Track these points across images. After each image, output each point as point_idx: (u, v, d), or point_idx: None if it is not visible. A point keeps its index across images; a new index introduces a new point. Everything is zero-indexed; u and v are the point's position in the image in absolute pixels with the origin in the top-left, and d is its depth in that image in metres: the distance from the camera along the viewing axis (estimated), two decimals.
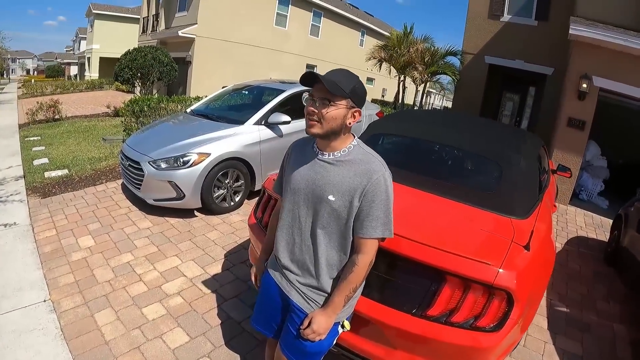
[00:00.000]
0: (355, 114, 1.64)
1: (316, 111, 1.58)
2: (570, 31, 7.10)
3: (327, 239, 1.69)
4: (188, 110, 6.63)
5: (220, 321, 3.16)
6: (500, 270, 1.89)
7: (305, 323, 1.69)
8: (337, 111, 1.58)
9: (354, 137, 1.74)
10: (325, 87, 1.53)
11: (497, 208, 2.54)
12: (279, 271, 1.85)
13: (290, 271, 1.79)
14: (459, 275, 1.92)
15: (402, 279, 2.12)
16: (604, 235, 6.43)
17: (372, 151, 1.72)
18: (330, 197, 1.63)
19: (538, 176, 3.14)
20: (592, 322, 3.76)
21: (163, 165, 4.70)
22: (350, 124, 1.64)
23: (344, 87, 1.55)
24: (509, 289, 1.88)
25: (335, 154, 1.67)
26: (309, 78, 1.61)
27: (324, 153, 1.69)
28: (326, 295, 1.73)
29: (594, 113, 7.49)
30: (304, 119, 1.66)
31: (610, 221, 6.99)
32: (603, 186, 8.57)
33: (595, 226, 6.94)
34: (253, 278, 2.17)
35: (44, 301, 3.25)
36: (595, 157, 8.67)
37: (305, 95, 1.66)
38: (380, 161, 1.66)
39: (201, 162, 4.75)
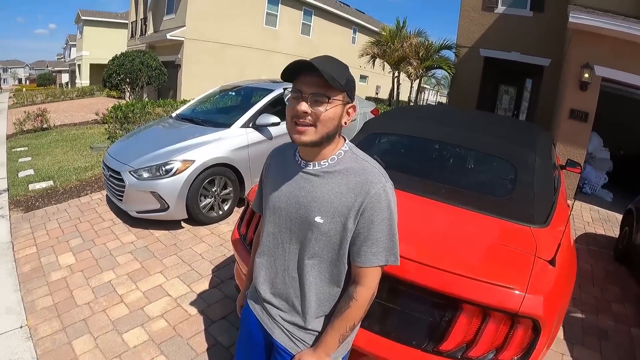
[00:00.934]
0: (349, 110, 1.32)
1: (309, 111, 1.23)
2: (570, 19, 6.87)
3: (317, 270, 1.36)
4: (173, 114, 6.32)
5: (207, 346, 2.88)
6: (526, 295, 1.59)
7: None
8: (334, 109, 1.25)
9: (345, 140, 1.40)
10: (324, 78, 1.18)
11: (514, 215, 2.23)
12: (259, 304, 1.53)
13: (273, 305, 1.46)
14: (477, 303, 1.62)
15: (409, 308, 1.80)
16: (612, 231, 6.25)
17: (367, 157, 1.38)
18: (318, 219, 1.30)
19: (553, 176, 2.84)
20: (608, 327, 3.55)
21: (145, 175, 4.41)
22: (345, 123, 1.32)
23: (339, 78, 1.21)
24: (536, 316, 1.58)
25: (322, 163, 1.34)
26: (300, 67, 1.23)
27: (309, 163, 1.36)
28: (316, 334, 1.41)
29: (596, 104, 7.25)
30: None
31: (617, 215, 6.83)
32: (607, 179, 8.37)
33: (602, 221, 6.76)
34: (238, 309, 1.80)
35: (21, 327, 3.02)
36: (598, 149, 8.49)
37: (287, 92, 1.30)
38: (379, 170, 1.33)
39: (185, 169, 4.45)
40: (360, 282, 1.32)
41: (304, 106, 1.22)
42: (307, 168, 1.35)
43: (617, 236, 5.64)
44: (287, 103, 1.30)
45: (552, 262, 1.82)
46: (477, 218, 2.24)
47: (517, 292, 1.61)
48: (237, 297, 1.85)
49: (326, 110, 1.23)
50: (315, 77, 1.20)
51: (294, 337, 1.42)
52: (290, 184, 1.38)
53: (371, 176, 1.29)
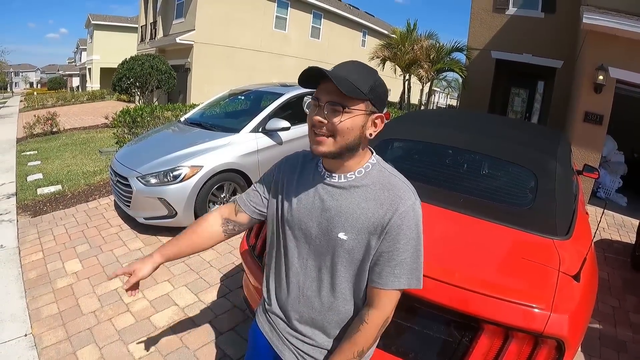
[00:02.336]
0: (376, 120, 1.22)
1: (325, 121, 1.14)
2: (584, 20, 6.73)
3: (336, 289, 1.27)
4: (182, 119, 6.28)
5: (214, 359, 2.80)
6: (551, 314, 1.49)
7: None
8: (353, 119, 1.14)
9: (372, 153, 1.31)
10: (337, 87, 1.09)
11: (535, 227, 2.12)
12: (268, 323, 1.45)
13: (284, 325, 1.38)
14: (499, 323, 1.53)
15: (427, 328, 1.71)
16: (628, 237, 6.11)
17: (396, 172, 1.29)
18: (342, 235, 1.20)
19: (574, 183, 2.73)
20: (627, 339, 3.44)
21: (152, 181, 4.36)
22: (371, 135, 1.22)
23: (360, 85, 1.12)
24: (562, 336, 1.48)
25: (348, 176, 1.25)
26: (313, 75, 1.15)
27: (333, 175, 1.27)
28: (326, 352, 1.32)
29: (611, 106, 7.11)
30: (305, 124, 1.22)
31: (632, 220, 6.69)
32: (621, 182, 8.22)
33: (618, 226, 6.63)
34: (121, 271, 1.52)
35: (25, 335, 2.97)
36: (612, 152, 8.33)
37: (307, 99, 1.21)
38: (408, 186, 1.25)
39: (193, 175, 4.39)
40: (374, 305, 1.22)
41: (318, 116, 1.15)
42: (332, 180, 1.27)
43: (633, 242, 5.49)
44: (306, 111, 1.23)
45: (576, 277, 1.72)
46: (497, 230, 2.14)
47: (541, 311, 1.51)
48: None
49: (341, 120, 1.14)
50: (331, 85, 1.11)
51: (303, 354, 1.34)
52: (311, 195, 1.30)
53: (401, 192, 1.20)
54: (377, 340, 1.29)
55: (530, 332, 1.50)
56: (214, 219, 1.50)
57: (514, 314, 1.52)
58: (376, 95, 1.17)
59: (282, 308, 1.39)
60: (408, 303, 1.60)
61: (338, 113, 1.14)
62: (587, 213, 2.90)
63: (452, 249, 2.00)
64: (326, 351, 1.32)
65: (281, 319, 1.40)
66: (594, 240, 4.91)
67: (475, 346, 1.56)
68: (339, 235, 1.21)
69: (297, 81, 1.22)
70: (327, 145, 1.17)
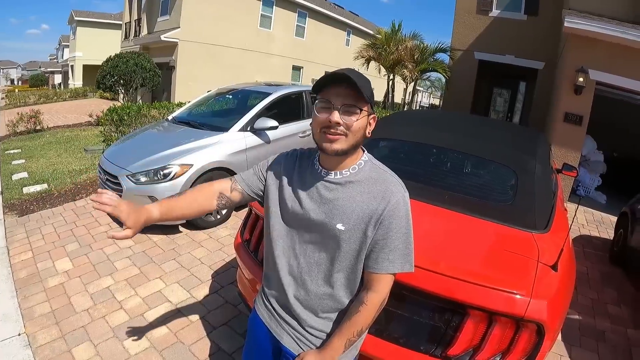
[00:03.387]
0: (371, 121, 1.35)
1: (341, 122, 1.25)
2: (565, 24, 6.92)
3: (333, 277, 1.38)
4: (169, 117, 6.29)
5: (209, 353, 2.87)
6: (531, 300, 1.61)
7: None
8: (362, 120, 1.28)
9: (364, 151, 1.44)
10: (354, 90, 1.24)
11: (516, 221, 2.24)
12: (267, 310, 1.54)
13: (283, 311, 1.48)
14: (483, 308, 1.64)
15: (417, 314, 1.82)
16: (607, 233, 6.32)
17: (386, 167, 1.43)
18: (340, 226, 1.32)
19: (552, 181, 2.86)
20: (606, 328, 3.60)
21: (142, 179, 4.39)
22: (369, 133, 1.35)
23: (365, 90, 1.25)
24: (541, 320, 1.60)
25: (343, 172, 1.37)
26: (336, 79, 1.26)
27: (330, 172, 1.38)
28: (324, 336, 1.43)
29: (590, 107, 7.32)
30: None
31: (611, 217, 6.89)
32: (600, 181, 8.44)
33: (597, 223, 6.83)
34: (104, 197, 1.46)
35: (19, 335, 2.97)
36: (592, 152, 8.54)
37: (319, 101, 1.31)
38: (398, 180, 1.38)
39: (183, 174, 4.43)
40: (372, 288, 1.34)
41: (336, 116, 1.25)
42: (329, 177, 1.38)
43: (612, 238, 5.70)
44: (315, 113, 1.31)
45: (554, 267, 1.85)
46: (480, 224, 2.26)
47: (522, 297, 1.63)
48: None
49: (357, 120, 1.26)
50: (344, 89, 1.24)
51: (302, 337, 1.44)
52: (310, 191, 1.40)
53: (392, 186, 1.33)
54: (373, 322, 1.39)
55: (512, 316, 1.62)
56: (210, 192, 1.55)
57: (497, 300, 1.63)
58: (372, 99, 1.30)
59: (280, 295, 1.48)
60: (399, 291, 1.71)
61: (354, 114, 1.26)
62: (566, 209, 3.03)
63: (440, 241, 2.12)
64: (324, 334, 1.42)
65: (279, 304, 1.49)
66: (571, 233, 5.10)
67: (462, 330, 1.68)
68: (337, 226, 1.32)
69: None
70: (341, 143, 1.28)
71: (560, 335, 3.33)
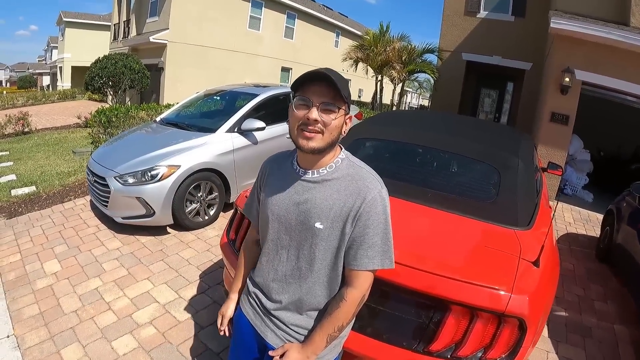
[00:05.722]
0: (347, 120, 1.39)
1: (319, 119, 1.28)
2: (551, 25, 6.98)
3: (315, 275, 1.40)
4: (157, 119, 6.26)
5: (197, 353, 2.88)
6: (512, 295, 1.63)
7: (279, 352, 1.40)
8: (339, 119, 1.32)
9: (341, 148, 1.46)
10: (333, 89, 1.27)
11: (498, 219, 2.27)
12: (253, 309, 1.56)
13: (267, 310, 1.49)
14: (465, 304, 1.66)
15: (399, 310, 1.83)
16: (593, 230, 6.39)
17: (363, 164, 1.45)
18: (318, 225, 1.35)
19: (535, 179, 2.90)
20: (592, 324, 3.65)
21: (130, 180, 4.36)
22: (345, 132, 1.38)
23: (343, 90, 1.28)
24: (522, 315, 1.63)
25: (321, 171, 1.39)
26: (315, 77, 1.29)
27: (307, 171, 1.41)
28: (306, 331, 1.44)
29: (577, 107, 7.39)
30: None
31: (598, 215, 6.97)
32: (587, 180, 8.52)
33: (584, 221, 6.88)
34: (220, 321, 1.74)
35: (7, 337, 2.98)
36: (579, 151, 8.62)
37: (297, 99, 1.32)
38: (375, 176, 1.40)
39: (171, 175, 4.41)
40: (352, 284, 1.36)
41: (315, 114, 1.27)
42: (306, 176, 1.40)
43: (598, 236, 5.77)
44: (293, 110, 1.33)
45: (536, 263, 1.87)
46: (463, 221, 2.28)
47: (503, 292, 1.65)
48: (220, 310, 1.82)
49: (334, 119, 1.29)
50: (324, 87, 1.27)
51: (285, 336, 1.45)
52: (289, 192, 1.42)
53: (368, 182, 1.35)
54: (354, 317, 1.42)
55: (493, 311, 1.64)
56: (252, 246, 1.69)
57: (479, 296, 1.65)
58: (349, 99, 1.34)
59: (264, 293, 1.50)
60: (382, 288, 1.72)
61: (332, 113, 1.29)
62: (549, 207, 3.07)
63: (422, 238, 2.15)
64: (306, 330, 1.44)
65: (263, 302, 1.50)
66: (558, 231, 5.13)
67: (444, 326, 1.70)
68: (315, 225, 1.35)
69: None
70: (317, 140, 1.30)
71: (546, 332, 3.37)
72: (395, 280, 1.74)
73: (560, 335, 3.39)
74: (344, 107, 1.32)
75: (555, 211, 2.69)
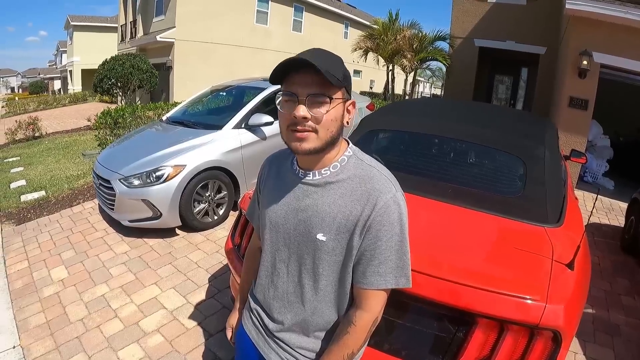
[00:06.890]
0: (349, 107, 1.15)
1: (308, 116, 1.05)
2: (567, 6, 6.74)
3: (320, 293, 1.20)
4: (163, 118, 6.16)
5: None
6: (546, 306, 1.44)
7: None
8: (335, 109, 1.08)
9: (348, 144, 1.23)
10: (320, 76, 1.01)
11: (526, 215, 2.07)
12: (255, 328, 1.38)
13: (269, 330, 1.31)
14: (494, 317, 1.47)
15: (419, 324, 1.65)
16: (617, 220, 6.17)
17: (374, 162, 1.21)
18: (320, 237, 1.13)
19: (562, 168, 2.69)
20: (620, 322, 3.45)
21: (135, 182, 4.26)
22: (347, 123, 1.15)
23: (336, 73, 1.05)
24: (558, 327, 1.44)
25: (323, 172, 1.17)
26: (290, 66, 1.06)
27: (308, 172, 1.19)
28: (314, 355, 1.25)
29: (596, 91, 7.14)
30: None
31: (620, 203, 6.73)
32: (607, 166, 8.27)
33: (606, 210, 6.68)
34: (229, 333, 1.63)
35: (14, 347, 2.93)
36: (598, 137, 8.37)
37: (279, 96, 1.12)
38: (388, 176, 1.16)
39: (177, 175, 4.29)
40: (362, 306, 1.15)
41: (302, 110, 1.05)
42: (307, 178, 1.19)
43: (622, 226, 5.54)
44: (279, 109, 1.12)
45: (570, 265, 1.67)
46: (488, 220, 2.08)
47: (536, 303, 1.46)
48: (228, 321, 1.68)
49: (327, 111, 1.06)
50: (309, 75, 1.04)
51: (291, 359, 1.27)
52: (288, 197, 1.22)
53: (379, 184, 1.12)
54: (367, 341, 1.22)
55: (525, 324, 1.45)
56: (257, 253, 1.47)
57: (508, 307, 1.46)
58: (348, 81, 1.11)
59: (267, 312, 1.33)
60: (398, 299, 1.53)
61: (323, 105, 1.06)
62: (576, 198, 2.86)
63: (442, 241, 1.93)
64: (314, 354, 1.25)
65: (266, 321, 1.33)
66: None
67: (470, 341, 1.50)
68: (317, 237, 1.14)
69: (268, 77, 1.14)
70: (311, 141, 1.08)
71: None
72: (414, 291, 1.52)
73: (588, 335, 3.20)
74: (338, 94, 1.09)
75: (594, 206, 2.47)
